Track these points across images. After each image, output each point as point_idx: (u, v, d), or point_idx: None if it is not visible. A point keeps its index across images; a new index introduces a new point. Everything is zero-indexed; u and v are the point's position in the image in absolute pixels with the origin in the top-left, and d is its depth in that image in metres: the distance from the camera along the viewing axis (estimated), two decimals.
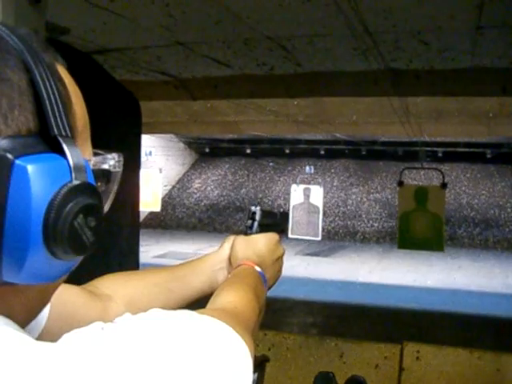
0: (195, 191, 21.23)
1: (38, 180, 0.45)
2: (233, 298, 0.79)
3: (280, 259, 1.08)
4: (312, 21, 3.15)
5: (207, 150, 21.14)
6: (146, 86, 4.95)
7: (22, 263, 0.46)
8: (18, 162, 0.45)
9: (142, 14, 3.10)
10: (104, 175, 0.57)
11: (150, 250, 14.19)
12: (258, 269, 0.99)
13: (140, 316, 0.51)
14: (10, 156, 0.45)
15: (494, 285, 11.49)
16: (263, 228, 1.10)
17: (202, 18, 3.15)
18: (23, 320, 0.53)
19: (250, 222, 1.09)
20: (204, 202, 20.74)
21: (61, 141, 0.48)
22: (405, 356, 3.95)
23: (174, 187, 21.31)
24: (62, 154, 0.48)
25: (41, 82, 0.48)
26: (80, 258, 0.52)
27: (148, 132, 12.20)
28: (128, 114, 3.57)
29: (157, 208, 14.15)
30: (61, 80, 0.52)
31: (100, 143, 0.59)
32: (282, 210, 1.29)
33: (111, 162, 0.59)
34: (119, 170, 0.59)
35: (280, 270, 1.09)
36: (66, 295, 0.79)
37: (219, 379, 0.48)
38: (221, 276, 1.02)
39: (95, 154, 0.56)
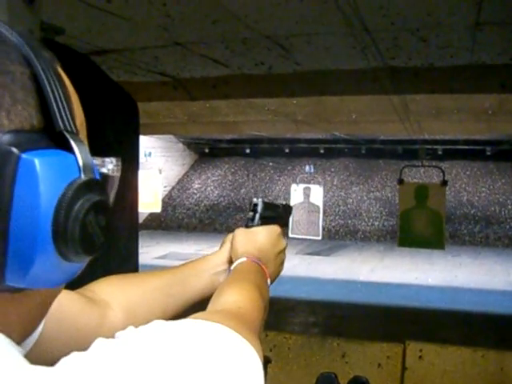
0: (195, 192, 21.23)
1: (47, 175, 0.43)
2: (236, 297, 0.75)
3: (282, 253, 1.05)
4: (310, 19, 3.14)
5: (207, 151, 21.17)
6: (145, 87, 4.94)
7: (29, 265, 0.43)
8: (24, 156, 0.42)
9: (139, 14, 3.08)
10: (102, 179, 0.54)
11: (151, 251, 14.19)
12: (260, 263, 0.95)
13: (142, 329, 0.49)
14: (15, 150, 0.42)
15: (496, 282, 11.48)
16: (265, 220, 1.05)
17: (200, 17, 3.14)
18: (19, 335, 0.49)
19: (251, 213, 1.04)
20: (204, 202, 20.74)
21: (67, 136, 0.46)
22: (407, 355, 3.93)
23: (173, 188, 21.31)
24: (69, 149, 0.45)
25: (44, 77, 0.46)
26: (86, 261, 0.49)
27: (147, 133, 12.19)
28: (126, 115, 3.55)
29: (157, 209, 14.17)
30: (61, 77, 0.50)
31: (98, 145, 0.57)
32: (284, 202, 1.22)
33: (109, 165, 0.55)
34: (117, 174, 0.56)
35: (282, 264, 1.05)
36: (63, 301, 0.74)
37: None
38: (223, 278, 0.97)
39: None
